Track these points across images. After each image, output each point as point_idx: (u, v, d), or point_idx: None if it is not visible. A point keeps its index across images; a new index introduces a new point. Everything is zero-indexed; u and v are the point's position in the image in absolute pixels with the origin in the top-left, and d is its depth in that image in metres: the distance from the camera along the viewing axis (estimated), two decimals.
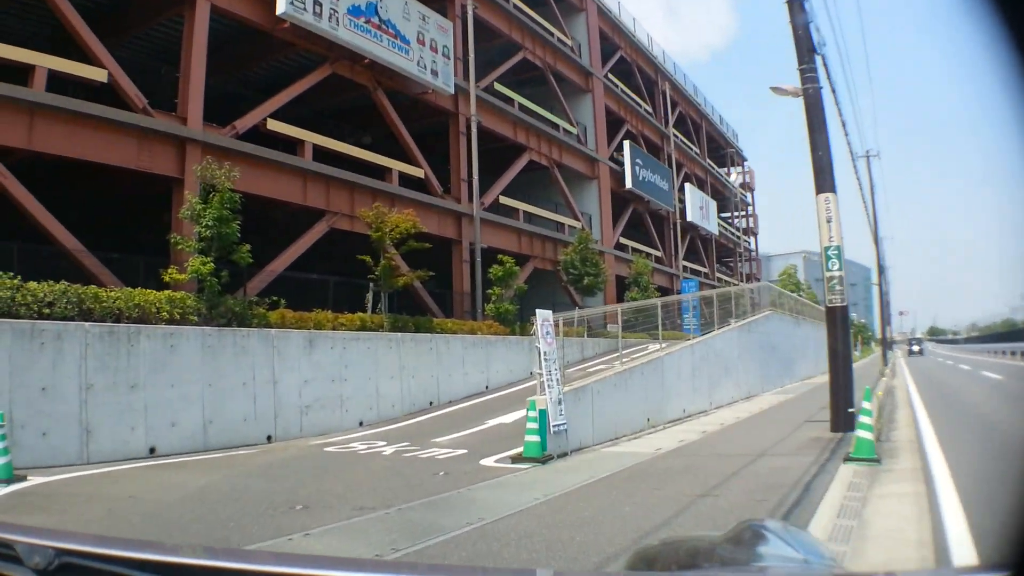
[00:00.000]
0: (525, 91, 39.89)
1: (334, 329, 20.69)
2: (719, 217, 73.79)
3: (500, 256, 30.73)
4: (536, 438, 14.12)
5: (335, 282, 23.87)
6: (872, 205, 53.51)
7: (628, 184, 49.28)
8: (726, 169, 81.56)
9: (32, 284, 14.70)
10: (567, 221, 42.37)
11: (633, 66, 54.46)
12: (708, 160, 73.44)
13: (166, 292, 17.33)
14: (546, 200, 41.48)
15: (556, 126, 41.84)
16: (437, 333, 24.42)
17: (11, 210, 17.57)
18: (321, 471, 13.71)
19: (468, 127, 33.09)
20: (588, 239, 38.16)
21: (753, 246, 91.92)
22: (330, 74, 26.37)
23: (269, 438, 17.92)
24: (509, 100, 37.40)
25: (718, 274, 71.71)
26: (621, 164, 49.50)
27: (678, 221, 59.82)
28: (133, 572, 1.57)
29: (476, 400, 24.09)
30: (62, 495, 11.13)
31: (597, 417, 16.65)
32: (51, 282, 15.08)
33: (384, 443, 16.93)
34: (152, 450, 15.57)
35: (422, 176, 30.12)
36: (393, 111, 28.95)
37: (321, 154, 25.72)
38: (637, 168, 50.96)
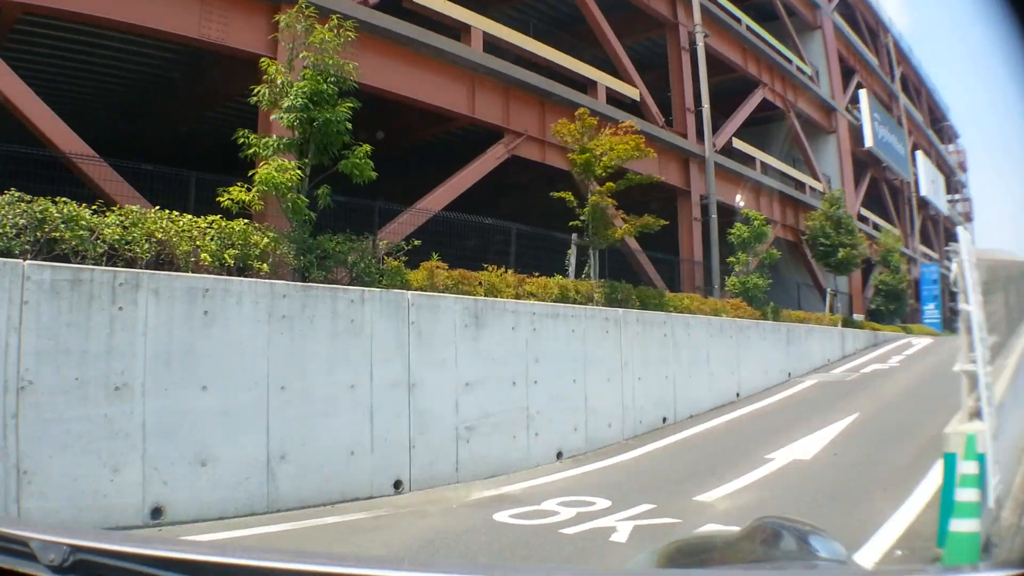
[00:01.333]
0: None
1: (517, 299, 11.93)
2: None
3: (746, 211, 21.36)
4: (972, 525, 5.49)
5: (517, 232, 14.78)
6: None
7: (868, 143, 38.46)
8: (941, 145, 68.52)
9: None
10: (808, 180, 32.26)
11: (856, 10, 43.20)
12: (930, 131, 61.15)
13: (213, 218, 8.97)
14: (780, 157, 31.50)
15: (789, 60, 31.76)
16: (671, 312, 15.26)
17: None
18: None
19: (692, 41, 23.65)
20: (841, 198, 28.00)
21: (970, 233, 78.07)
22: None
23: (397, 485, 9.33)
24: (735, 18, 27.60)
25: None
26: (857, 120, 38.87)
27: (913, 194, 48.32)
28: (146, 569, 1.51)
29: (728, 415, 14.79)
30: None
31: None
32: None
33: (606, 502, 8.57)
34: (156, 512, 7.43)
35: (637, 98, 20.83)
36: (595, 6, 19.87)
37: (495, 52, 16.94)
38: (876, 125, 40.09)
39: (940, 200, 57.02)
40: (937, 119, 68.55)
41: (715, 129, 24.89)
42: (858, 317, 29.88)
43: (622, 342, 13.14)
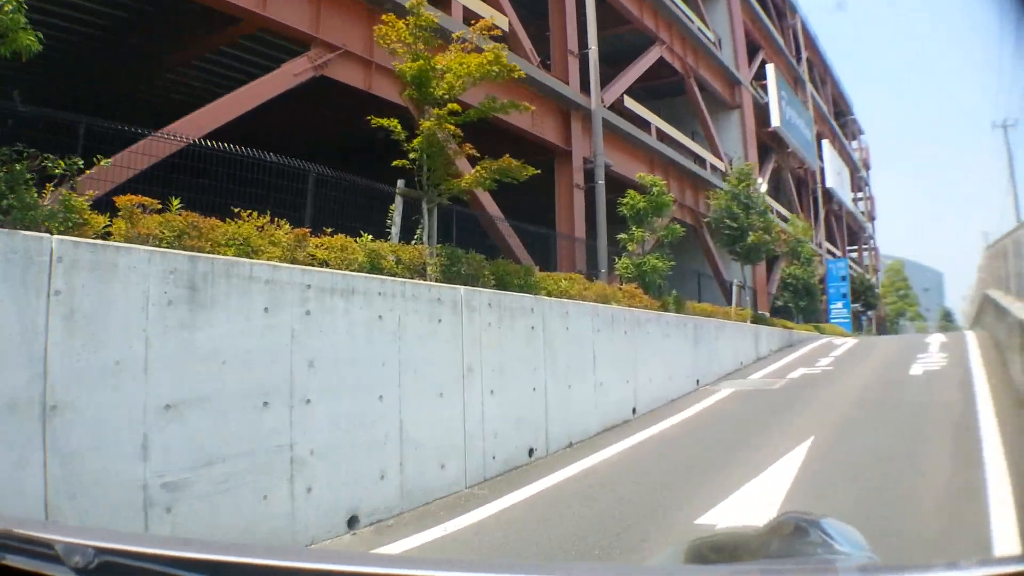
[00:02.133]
0: None
1: (292, 264, 7.59)
2: None
3: (643, 177, 17.69)
4: None
5: (323, 177, 10.36)
6: None
7: (775, 122, 35.67)
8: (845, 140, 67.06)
9: None
10: (709, 157, 28.91)
11: None
12: (835, 123, 59.43)
13: None
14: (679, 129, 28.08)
15: (691, 20, 28.38)
16: (542, 297, 11.14)
17: None
18: None
19: None
20: (751, 173, 24.59)
21: (871, 232, 77.01)
22: None
23: None
24: None
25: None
26: (763, 99, 35.97)
27: (819, 186, 45.92)
28: (174, 571, 1.51)
29: (624, 442, 10.72)
30: None
31: None
32: None
33: None
34: None
35: (505, 27, 16.74)
36: None
37: None
38: (784, 105, 37.29)
39: (845, 194, 55.23)
40: (841, 112, 67.21)
41: (605, 84, 21.14)
42: (762, 314, 26.71)
43: (465, 337, 9.03)
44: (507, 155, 10.90)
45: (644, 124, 23.69)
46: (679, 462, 9.49)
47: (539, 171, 11.38)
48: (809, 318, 33.12)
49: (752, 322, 21.91)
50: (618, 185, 19.12)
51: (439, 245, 10.38)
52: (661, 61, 26.32)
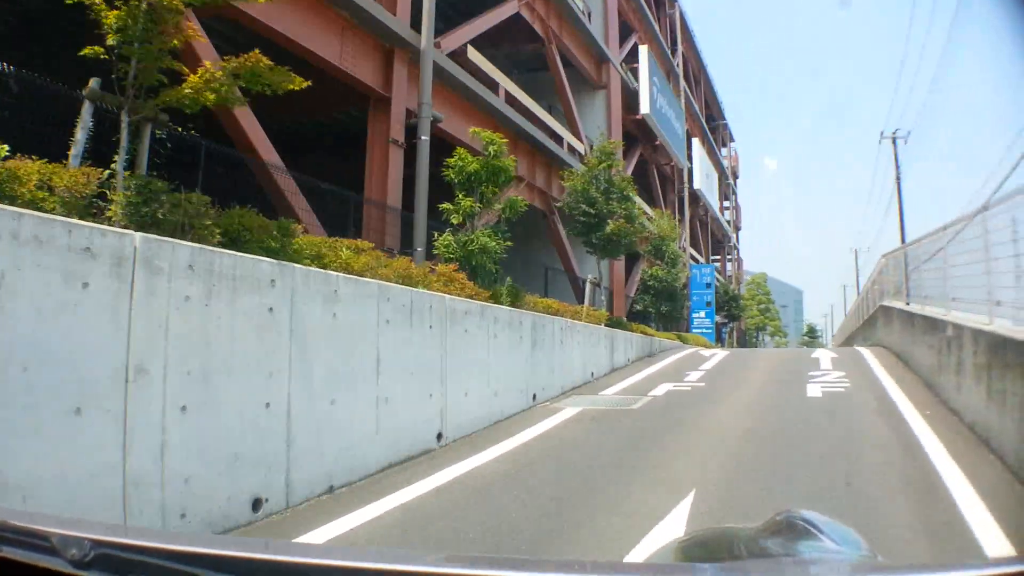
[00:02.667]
0: None
1: None
2: None
3: (477, 132, 14.46)
4: None
5: None
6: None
7: (644, 109, 33.17)
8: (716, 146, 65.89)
9: None
10: (568, 136, 25.97)
11: None
12: (706, 126, 58.00)
13: None
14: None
15: None
16: (294, 266, 7.66)
17: None
18: None
19: None
20: (615, 153, 21.69)
21: (736, 242, 76.41)
22: None
23: None
24: None
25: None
26: (633, 84, 33.44)
27: (687, 186, 43.86)
28: (170, 563, 1.50)
29: (417, 489, 7.39)
30: None
31: None
32: None
33: None
34: None
35: None
36: None
37: None
38: (655, 92, 34.86)
39: (713, 199, 53.69)
40: (713, 116, 66.10)
41: (448, 31, 17.89)
42: (620, 319, 24.02)
43: (136, 316, 5.54)
44: (257, 51, 7.48)
45: (493, 87, 20.51)
46: (489, 530, 6.24)
47: (308, 82, 7.96)
48: (670, 325, 30.78)
49: (608, 326, 19.05)
50: (452, 151, 15.91)
51: (137, 177, 6.86)
52: (521, 22, 23.32)
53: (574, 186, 20.29)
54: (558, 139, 24.93)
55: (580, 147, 25.86)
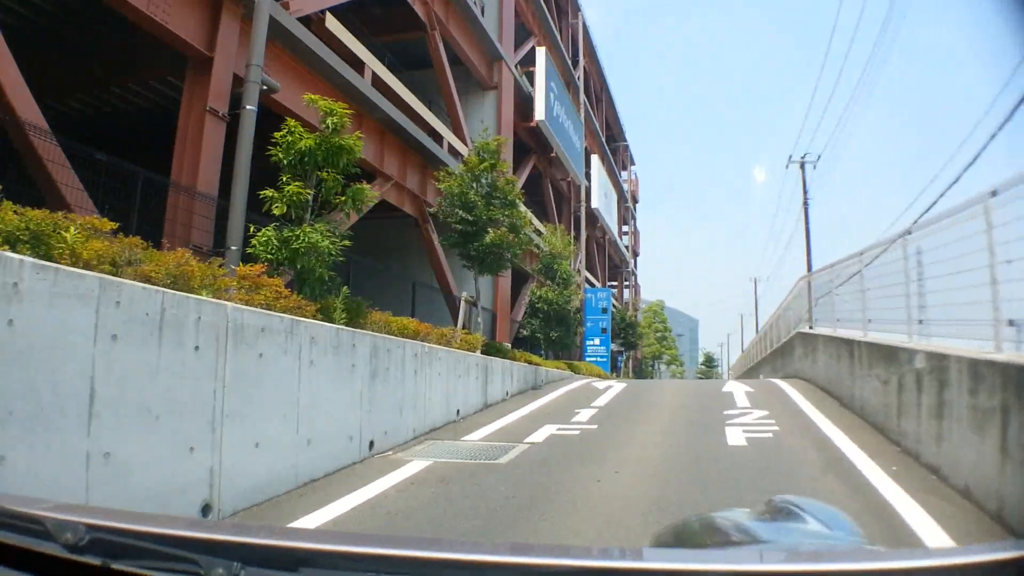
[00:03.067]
0: None
1: None
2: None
3: (312, 99, 11.51)
4: None
5: None
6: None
7: (540, 115, 30.70)
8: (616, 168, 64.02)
9: None
10: (450, 136, 23.23)
11: None
12: (606, 146, 56.12)
13: None
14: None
15: None
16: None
17: None
18: None
19: None
20: (501, 149, 18.97)
21: (634, 268, 74.76)
22: None
23: None
24: None
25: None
26: (527, 89, 31.00)
27: (583, 204, 41.58)
28: (164, 547, 1.56)
29: None
30: None
31: None
32: None
33: None
34: None
35: None
36: None
37: None
38: (552, 100, 32.50)
39: (611, 222, 51.67)
40: (614, 137, 64.29)
41: None
42: (503, 345, 21.36)
43: None
44: None
45: (359, 67, 17.64)
46: None
47: None
48: (561, 353, 28.27)
49: (485, 352, 16.37)
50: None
51: None
52: (404, 8, 20.64)
53: (450, 188, 17.56)
54: (438, 138, 22.16)
55: (464, 150, 23.17)
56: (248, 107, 11.31)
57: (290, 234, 10.22)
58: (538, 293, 25.87)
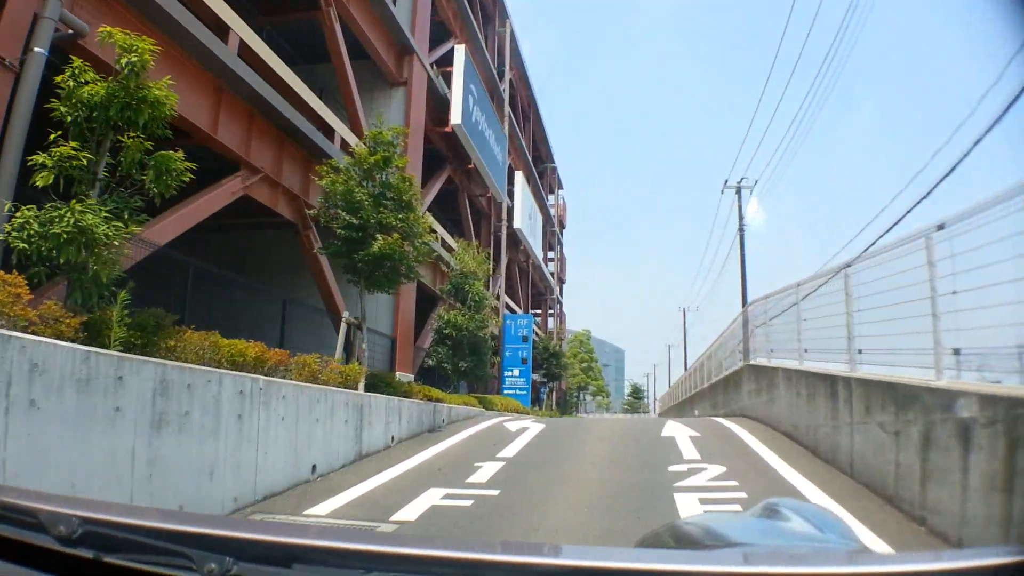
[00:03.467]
0: None
1: None
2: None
3: (108, 33, 8.44)
4: None
5: None
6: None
7: (456, 119, 27.81)
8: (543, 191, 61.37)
9: None
10: (343, 130, 20.15)
11: None
12: (533, 166, 53.54)
13: None
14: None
15: None
16: None
17: None
18: None
19: None
20: (400, 141, 16.00)
21: (560, 296, 72.14)
22: None
23: None
24: None
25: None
26: (443, 91, 28.17)
27: (504, 223, 38.79)
28: (156, 541, 1.54)
29: None
30: None
31: None
32: None
33: None
34: None
35: None
36: None
37: None
38: (472, 102, 29.73)
39: (536, 245, 49.04)
40: (541, 158, 61.69)
41: None
42: (404, 377, 18.32)
43: None
44: None
45: (222, 33, 14.58)
46: None
47: None
48: (475, 385, 25.35)
49: (370, 387, 13.43)
50: None
51: None
52: None
53: (332, 186, 14.58)
54: (330, 133, 19.09)
55: (360, 145, 20.16)
56: (37, 49, 8.30)
57: (54, 214, 7.15)
58: (445, 317, 22.84)
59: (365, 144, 15.53)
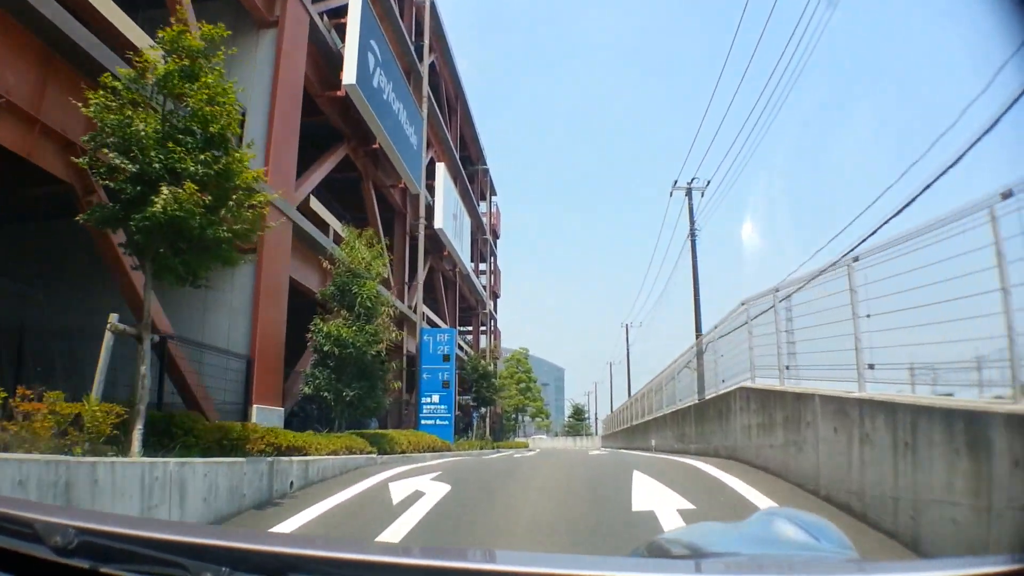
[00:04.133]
0: None
1: None
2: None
3: None
4: None
5: None
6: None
7: (350, 78, 22.38)
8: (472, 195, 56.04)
9: None
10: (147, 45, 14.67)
11: None
12: (460, 163, 48.29)
13: None
14: None
15: None
16: None
17: None
18: None
19: None
20: (216, 44, 10.59)
21: (494, 311, 66.84)
22: None
23: None
24: None
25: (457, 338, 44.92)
26: (334, 46, 22.86)
27: (423, 221, 33.37)
28: (152, 552, 1.55)
29: None
30: None
31: None
32: None
33: None
34: None
35: None
36: None
37: None
38: (373, 62, 24.37)
39: (463, 251, 43.75)
40: (471, 159, 56.37)
41: None
42: (269, 412, 12.85)
43: None
44: None
45: None
46: None
47: None
48: (370, 418, 19.93)
49: (157, 436, 8.07)
50: None
51: None
52: None
53: (102, 115, 9.19)
54: (129, 50, 13.61)
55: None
56: None
57: None
58: (325, 329, 17.23)
59: (161, 49, 10.10)
